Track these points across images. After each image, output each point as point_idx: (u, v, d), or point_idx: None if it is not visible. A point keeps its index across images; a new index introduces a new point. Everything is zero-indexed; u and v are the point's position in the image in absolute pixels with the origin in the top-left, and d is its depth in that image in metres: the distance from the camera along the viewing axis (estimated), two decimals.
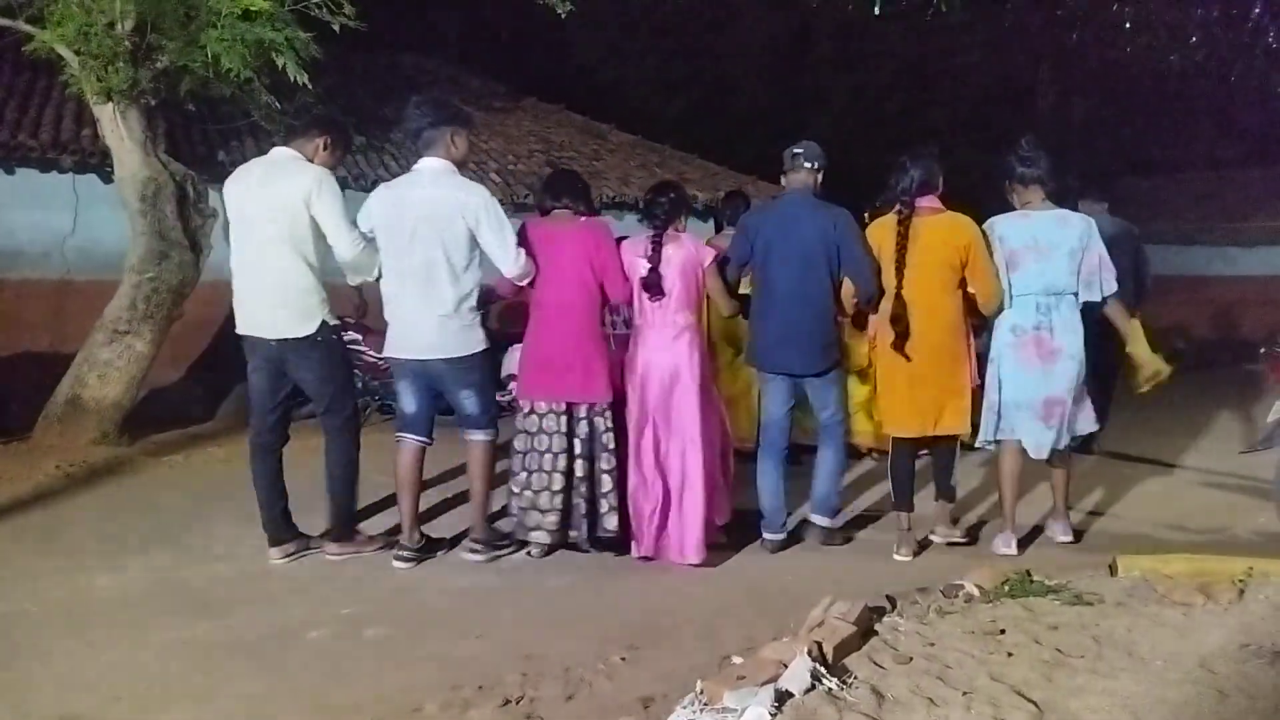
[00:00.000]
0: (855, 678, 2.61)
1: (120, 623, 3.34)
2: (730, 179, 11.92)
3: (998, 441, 4.21)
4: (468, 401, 3.94)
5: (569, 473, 3.96)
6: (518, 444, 4.05)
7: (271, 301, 3.81)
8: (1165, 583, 3.43)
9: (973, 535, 4.44)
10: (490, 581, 3.82)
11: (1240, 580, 3.40)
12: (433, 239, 3.77)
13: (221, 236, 4.13)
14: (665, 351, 3.99)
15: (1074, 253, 4.04)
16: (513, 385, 7.57)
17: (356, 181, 8.78)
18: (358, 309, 8.26)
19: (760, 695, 2.40)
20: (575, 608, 3.52)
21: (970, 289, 4.07)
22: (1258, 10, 7.62)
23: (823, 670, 2.57)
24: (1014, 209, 4.21)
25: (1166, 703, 2.43)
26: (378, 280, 3.96)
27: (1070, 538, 4.31)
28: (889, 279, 4.01)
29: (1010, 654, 2.78)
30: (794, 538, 4.34)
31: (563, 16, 6.73)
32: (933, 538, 4.31)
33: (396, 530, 4.12)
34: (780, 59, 18.39)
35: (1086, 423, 4.25)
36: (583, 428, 3.97)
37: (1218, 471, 5.56)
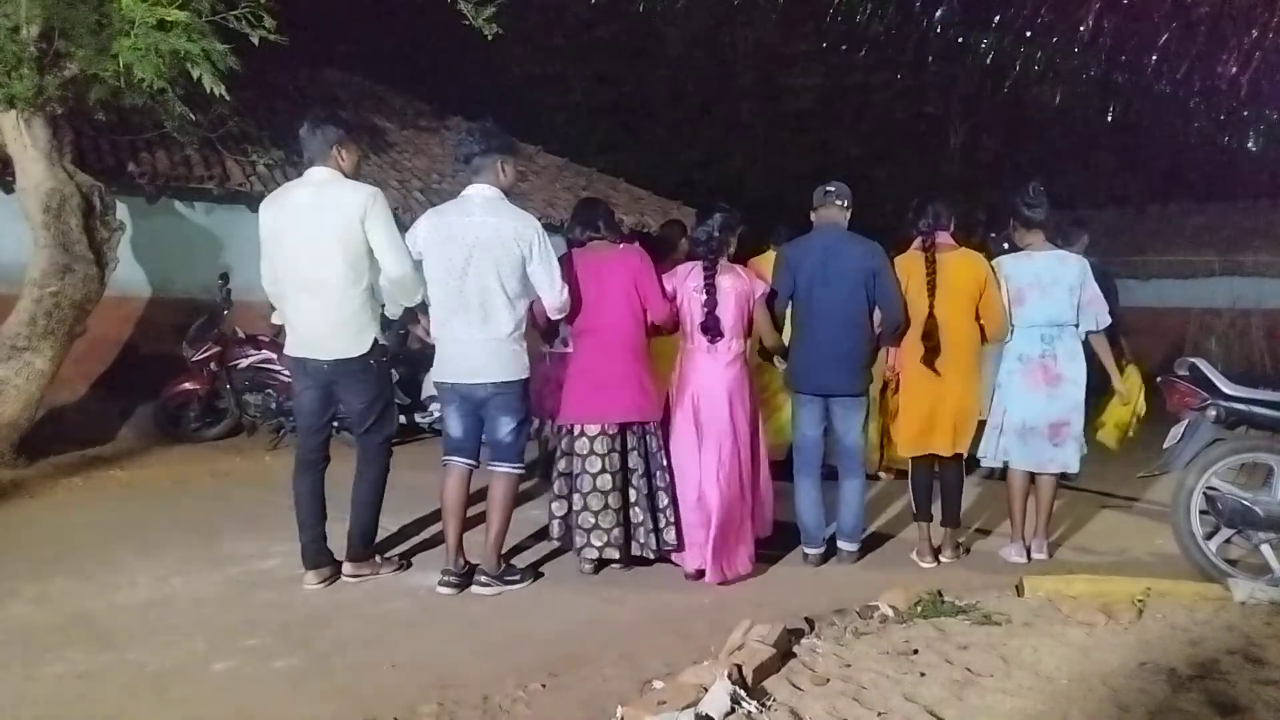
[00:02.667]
0: (774, 700, 2.63)
1: (12, 655, 3.16)
2: (655, 203, 12.05)
3: (1006, 463, 4.57)
4: (505, 430, 3.93)
5: (625, 489, 4.07)
6: (562, 466, 4.13)
7: (328, 321, 3.80)
8: (1069, 603, 3.56)
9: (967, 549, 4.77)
10: (407, 609, 3.73)
11: (1139, 600, 3.54)
12: (489, 265, 3.80)
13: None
14: (718, 379, 4.16)
15: (1073, 289, 4.46)
16: (434, 407, 7.49)
17: None
18: (274, 328, 8.06)
19: (680, 719, 2.40)
20: (494, 635, 3.46)
21: (980, 319, 4.45)
22: (1154, 57, 8.09)
23: (742, 693, 2.58)
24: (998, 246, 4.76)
25: (1069, 713, 2.51)
26: (421, 305, 3.98)
27: (1045, 555, 4.60)
28: (922, 303, 4.35)
29: (923, 674, 2.84)
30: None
31: (489, 38, 6.72)
32: (941, 558, 4.55)
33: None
34: (704, 88, 18.71)
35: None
36: (640, 446, 4.10)
37: (1119, 495, 5.80)
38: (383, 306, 3.98)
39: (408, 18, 15.41)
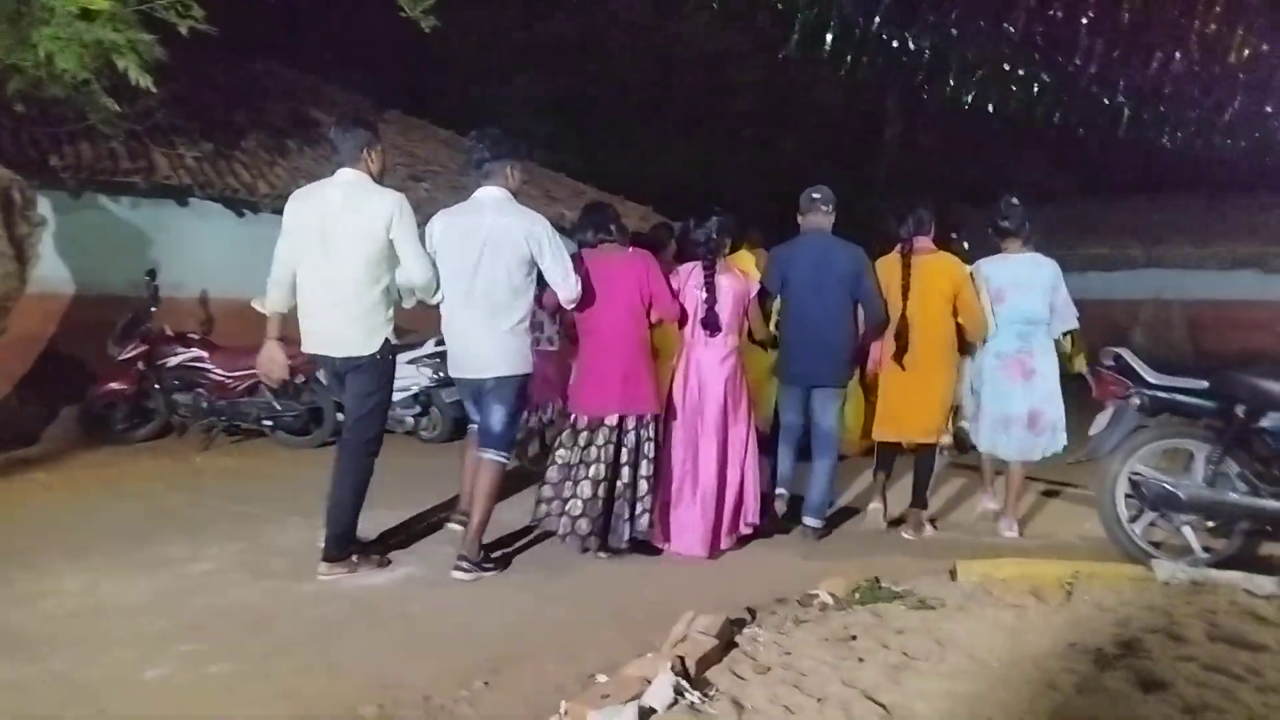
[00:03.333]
0: (717, 690, 2.65)
1: None
2: (598, 199, 12.00)
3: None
4: (497, 419, 4.13)
5: (611, 480, 4.27)
6: (561, 455, 4.33)
7: (344, 319, 3.93)
8: (1000, 586, 3.66)
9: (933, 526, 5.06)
10: (345, 610, 3.67)
11: (1067, 582, 3.65)
12: (498, 263, 4.02)
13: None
14: (716, 372, 4.49)
15: (1046, 290, 4.87)
16: None
17: (203, 190, 8.37)
18: (203, 325, 7.87)
19: (624, 713, 2.40)
20: (436, 633, 3.43)
21: (959, 319, 4.81)
22: (1080, 57, 8.35)
23: (685, 684, 2.60)
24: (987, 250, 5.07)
25: (1003, 702, 2.58)
26: (436, 303, 4.15)
27: (1016, 534, 4.93)
28: (895, 304, 4.71)
29: (861, 659, 2.89)
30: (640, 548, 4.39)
31: (427, 31, 6.63)
32: (903, 534, 4.90)
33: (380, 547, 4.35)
34: (647, 84, 18.71)
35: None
36: (630, 439, 4.30)
37: (1050, 480, 5.97)
38: (398, 300, 4.12)
39: (343, 9, 15.14)
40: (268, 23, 12.50)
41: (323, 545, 4.04)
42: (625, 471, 4.28)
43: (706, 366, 4.50)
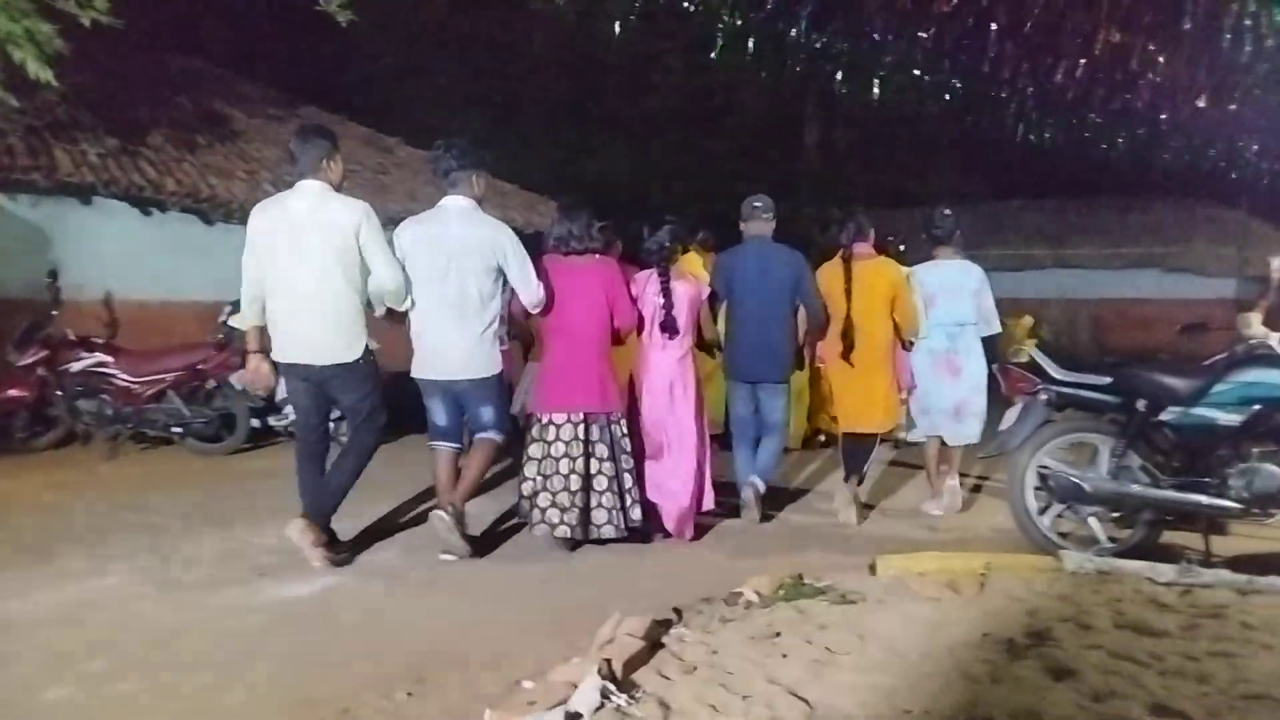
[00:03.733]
0: (643, 691, 2.65)
1: None
2: (520, 199, 11.92)
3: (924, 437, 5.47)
4: (485, 414, 4.38)
5: (586, 474, 4.41)
6: (534, 451, 4.45)
7: (325, 328, 4.03)
8: (918, 580, 3.74)
9: (866, 515, 5.30)
10: (262, 622, 3.56)
11: (981, 575, 3.76)
12: (468, 271, 4.19)
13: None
14: (671, 370, 4.75)
15: (974, 294, 5.29)
16: (289, 409, 7.18)
17: (107, 188, 8.03)
18: (107, 328, 7.58)
19: (549, 719, 2.38)
20: (357, 645, 3.34)
21: (895, 318, 5.14)
22: (987, 66, 8.65)
23: (611, 687, 2.59)
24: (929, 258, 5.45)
25: (922, 692, 2.64)
26: (405, 311, 4.26)
27: (941, 513, 5.34)
28: (840, 306, 5.03)
29: (785, 655, 2.93)
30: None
31: (344, 25, 6.48)
32: (835, 507, 5.18)
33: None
34: (571, 84, 18.66)
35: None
36: (604, 435, 4.47)
37: (965, 474, 6.13)
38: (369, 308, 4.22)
39: (257, 1, 14.71)
40: (175, 14, 12.08)
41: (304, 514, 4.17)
42: (607, 466, 4.45)
43: (665, 366, 4.74)
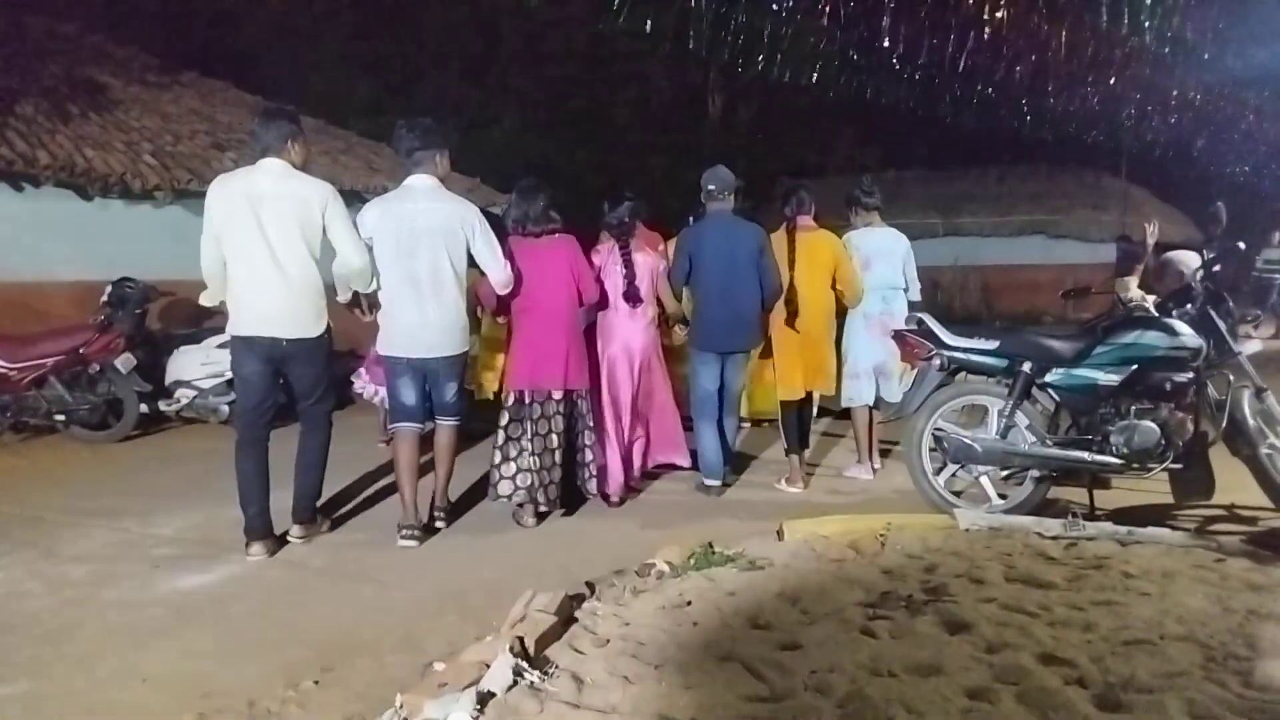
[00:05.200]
0: (557, 667, 2.66)
1: None
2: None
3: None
4: (450, 393, 4.43)
5: (557, 449, 4.61)
6: (511, 430, 4.55)
7: (293, 303, 4.00)
8: (822, 543, 3.85)
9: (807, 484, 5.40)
10: (157, 616, 3.43)
11: (881, 535, 3.90)
12: (439, 248, 4.22)
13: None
14: (638, 337, 5.00)
15: (904, 259, 5.53)
16: (180, 393, 6.89)
17: None
18: None
19: (462, 700, 2.37)
20: (261, 634, 3.24)
21: (838, 287, 5.32)
22: (884, 40, 8.83)
23: (524, 665, 2.59)
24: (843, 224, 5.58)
25: (824, 650, 2.72)
26: (371, 291, 4.26)
27: (870, 477, 5.53)
28: (784, 275, 5.16)
29: (695, 623, 2.98)
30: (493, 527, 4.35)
31: None
32: (780, 486, 5.33)
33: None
34: (469, 51, 18.23)
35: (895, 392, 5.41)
36: (575, 409, 4.69)
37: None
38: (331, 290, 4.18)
39: None
40: None
41: (291, 510, 4.23)
42: (577, 439, 4.71)
43: (630, 335, 4.98)
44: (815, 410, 5.82)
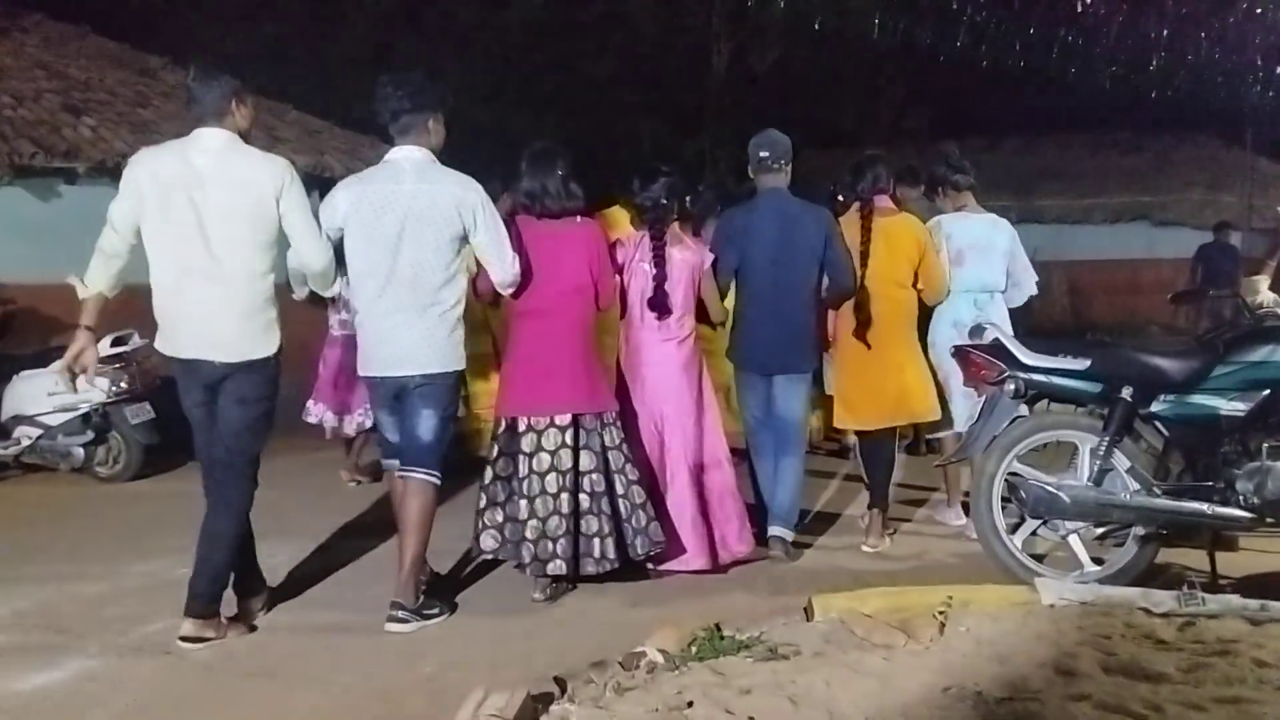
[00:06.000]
0: None
1: None
2: (338, 138, 11.69)
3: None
4: (425, 428, 4.28)
5: (573, 491, 4.47)
6: (501, 468, 4.51)
7: (232, 316, 3.97)
8: (864, 623, 3.84)
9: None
10: (69, 687, 3.46)
11: (940, 613, 3.88)
12: (423, 239, 4.18)
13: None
14: (671, 362, 4.88)
15: (1005, 254, 5.51)
16: (18, 432, 6.84)
17: None
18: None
19: None
20: None
21: (919, 284, 5.33)
22: None
23: None
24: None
25: None
26: (331, 295, 4.45)
27: (963, 523, 5.45)
28: (855, 273, 5.13)
29: None
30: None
31: None
32: (864, 548, 5.30)
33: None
34: None
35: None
36: (595, 440, 4.54)
37: (915, 486, 6.32)
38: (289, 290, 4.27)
39: None
40: None
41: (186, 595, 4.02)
42: (597, 480, 4.52)
43: (659, 356, 4.88)
44: (913, 440, 5.93)
